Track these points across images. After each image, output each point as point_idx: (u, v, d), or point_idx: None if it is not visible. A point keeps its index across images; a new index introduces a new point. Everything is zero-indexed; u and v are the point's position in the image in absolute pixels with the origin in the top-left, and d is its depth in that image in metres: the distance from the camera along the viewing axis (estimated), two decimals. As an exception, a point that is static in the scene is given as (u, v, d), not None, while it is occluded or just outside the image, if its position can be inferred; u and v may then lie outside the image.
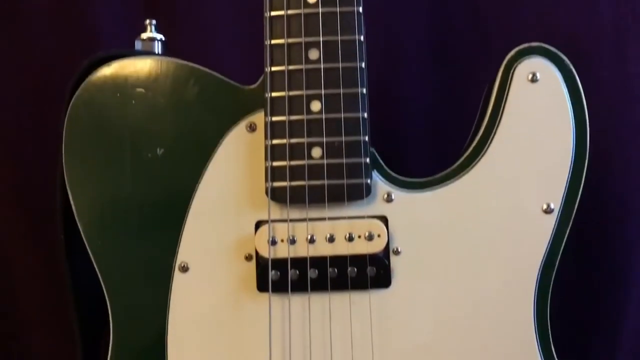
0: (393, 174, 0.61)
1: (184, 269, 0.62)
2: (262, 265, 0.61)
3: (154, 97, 0.62)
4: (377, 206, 0.61)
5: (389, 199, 0.61)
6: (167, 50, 0.67)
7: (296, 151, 0.60)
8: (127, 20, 0.84)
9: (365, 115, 0.59)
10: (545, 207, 0.59)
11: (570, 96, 0.59)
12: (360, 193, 0.60)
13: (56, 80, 0.68)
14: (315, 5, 0.59)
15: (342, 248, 0.60)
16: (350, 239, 0.60)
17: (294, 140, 0.60)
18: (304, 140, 0.60)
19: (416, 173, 0.62)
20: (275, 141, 0.60)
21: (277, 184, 0.60)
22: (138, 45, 0.66)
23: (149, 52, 0.66)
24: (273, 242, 0.60)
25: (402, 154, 0.79)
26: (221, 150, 0.62)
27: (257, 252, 0.61)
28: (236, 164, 0.62)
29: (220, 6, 0.85)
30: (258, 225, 0.61)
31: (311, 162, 0.60)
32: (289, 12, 0.60)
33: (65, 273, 0.69)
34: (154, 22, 0.67)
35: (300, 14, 0.59)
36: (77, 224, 0.63)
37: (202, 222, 0.62)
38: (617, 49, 0.81)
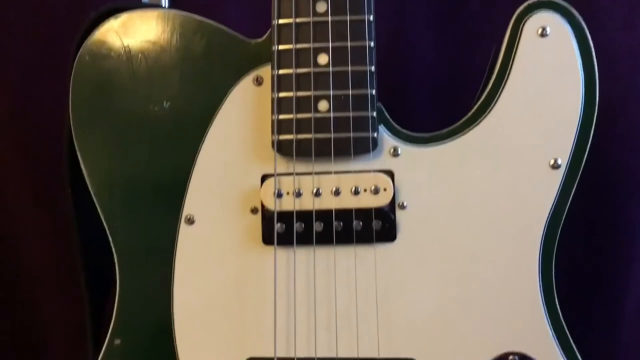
0: (400, 128, 0.61)
1: (190, 221, 0.62)
2: (267, 218, 0.61)
3: (161, 50, 0.62)
4: (384, 160, 0.61)
5: (395, 154, 0.60)
6: (173, 3, 0.66)
7: (303, 104, 0.60)
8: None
9: (373, 68, 0.59)
10: (552, 162, 0.59)
11: (580, 51, 0.59)
12: (367, 146, 0.60)
13: (64, 35, 0.68)
14: (323, -43, 0.59)
15: (347, 201, 0.60)
16: (356, 192, 0.60)
17: (300, 93, 0.60)
18: (311, 93, 0.60)
19: (422, 132, 0.62)
20: (281, 94, 0.60)
21: (283, 137, 0.60)
22: (145, -3, 0.67)
23: (155, 5, 0.65)
24: (279, 195, 0.60)
25: (408, 114, 0.79)
26: (228, 103, 0.62)
27: (262, 205, 0.61)
28: (243, 118, 0.62)
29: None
30: (264, 178, 0.61)
31: (318, 115, 0.60)
32: (296, -36, 0.59)
33: (73, 229, 0.70)
34: (160, -25, 0.67)
35: (307, -34, 0.59)
36: (83, 177, 0.63)
37: (208, 175, 0.62)
38: (630, 14, 0.80)
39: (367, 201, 0.60)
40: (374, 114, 0.59)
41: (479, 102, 0.60)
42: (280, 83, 0.60)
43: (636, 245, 0.78)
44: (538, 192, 0.59)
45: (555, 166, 0.59)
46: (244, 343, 0.61)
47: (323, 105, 0.60)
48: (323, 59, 0.60)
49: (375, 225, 0.60)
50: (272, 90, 0.60)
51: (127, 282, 0.63)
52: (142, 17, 0.63)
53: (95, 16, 0.63)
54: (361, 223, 0.60)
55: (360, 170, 0.60)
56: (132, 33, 0.62)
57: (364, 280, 0.60)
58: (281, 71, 0.60)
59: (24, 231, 0.89)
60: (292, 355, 0.60)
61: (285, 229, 0.60)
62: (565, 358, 0.58)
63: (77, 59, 0.63)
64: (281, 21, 0.60)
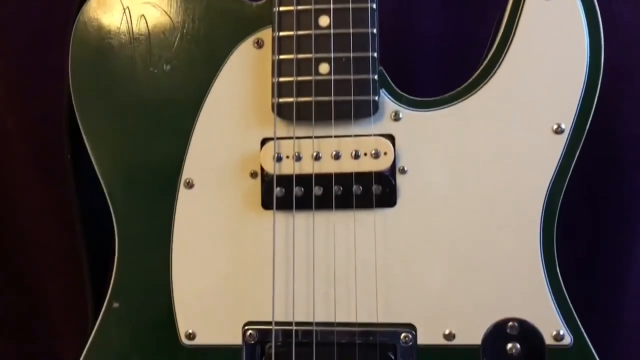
0: (401, 92, 0.60)
1: (189, 185, 0.62)
2: (267, 182, 0.60)
3: (161, 13, 0.62)
4: (384, 125, 0.60)
5: (396, 118, 0.60)
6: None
7: (303, 67, 0.59)
8: None
9: (375, 30, 0.58)
10: (555, 127, 0.58)
11: (585, 13, 0.58)
12: (368, 110, 0.59)
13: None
14: None
15: (348, 165, 0.59)
16: (357, 156, 0.59)
17: (301, 56, 0.59)
18: (312, 55, 0.59)
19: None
20: (282, 56, 0.59)
21: (283, 99, 0.59)
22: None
23: (156, -33, 0.65)
24: (278, 159, 0.60)
25: (412, 82, 0.78)
26: (228, 66, 0.61)
27: (262, 169, 0.61)
28: (243, 81, 0.61)
29: None
30: (264, 142, 0.61)
31: (318, 77, 0.59)
32: None
33: (73, 198, 0.70)
34: None
35: None
36: (83, 144, 0.63)
37: (207, 139, 0.62)
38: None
39: (368, 165, 0.59)
40: (375, 77, 0.59)
41: (482, 66, 0.59)
42: (281, 45, 0.59)
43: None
44: (540, 157, 0.58)
45: (559, 131, 0.58)
46: (242, 307, 0.61)
47: (324, 67, 0.59)
48: (324, 20, 0.59)
49: (376, 190, 0.59)
50: (273, 53, 0.59)
51: (126, 246, 0.62)
52: (142, -21, 0.62)
53: (94, -22, 0.63)
54: (361, 187, 0.59)
55: (361, 134, 0.60)
56: (132, -5, 0.62)
57: (363, 245, 0.60)
58: (282, 33, 0.59)
59: (26, 207, 0.89)
60: (290, 320, 0.60)
61: (284, 193, 0.60)
62: (565, 325, 0.58)
63: (76, 23, 0.63)
64: (282, -18, 0.59)
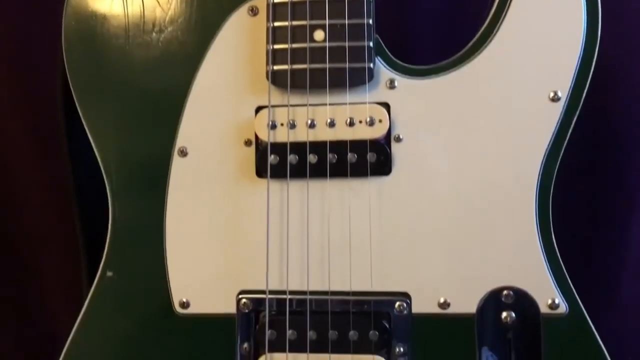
0: (396, 60, 0.60)
1: (183, 153, 0.61)
2: (261, 149, 0.60)
3: (155, -20, 0.61)
4: (380, 93, 0.59)
5: (391, 86, 0.59)
6: None
7: (298, 34, 0.58)
8: None
9: (371, -4, 0.58)
10: (552, 95, 0.57)
11: (583, -19, 0.57)
12: (363, 78, 0.58)
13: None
14: None
15: (342, 133, 0.59)
16: (351, 124, 0.59)
17: (296, 23, 0.58)
18: (307, 22, 0.58)
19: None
20: (277, 23, 0.59)
21: (278, 67, 0.59)
22: None
23: None
24: (273, 126, 0.59)
25: (410, 54, 0.77)
26: (222, 34, 0.61)
27: (256, 137, 0.60)
28: (237, 49, 0.61)
29: None
30: (258, 110, 0.60)
31: (313, 44, 0.58)
32: None
33: (66, 168, 0.70)
34: None
35: None
36: (78, 117, 0.63)
37: (201, 107, 0.61)
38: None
39: (362, 133, 0.59)
40: (371, 44, 0.58)
41: (478, 34, 0.59)
42: (276, 12, 0.59)
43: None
44: (537, 124, 0.58)
45: (555, 99, 0.58)
46: (236, 276, 0.61)
47: (319, 34, 0.58)
48: (319, -14, 0.58)
49: (370, 158, 0.59)
50: (267, 20, 0.59)
51: (120, 215, 0.62)
52: (136, -54, 0.62)
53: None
54: (356, 155, 0.59)
55: (356, 102, 0.59)
56: (126, -37, 0.62)
57: (357, 214, 0.59)
58: (277, 0, 0.59)
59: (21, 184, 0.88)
60: (284, 288, 0.60)
61: (279, 161, 0.59)
62: (561, 294, 0.57)
63: (68, -6, 0.63)
64: (277, -52, 0.59)
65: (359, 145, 0.59)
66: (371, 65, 0.58)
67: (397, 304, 0.59)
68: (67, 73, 0.63)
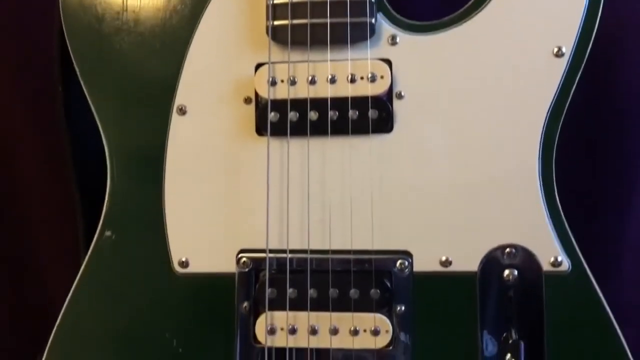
0: (398, 16, 0.59)
1: (182, 111, 0.61)
2: (261, 107, 0.59)
3: None
4: (381, 49, 0.59)
5: (393, 42, 0.58)
6: None
7: (299, -12, 0.58)
8: None
9: (372, -50, 0.57)
10: (556, 50, 0.57)
11: None
12: (364, 33, 0.58)
13: None
14: None
15: (343, 89, 0.58)
16: (353, 80, 0.58)
17: (296, -23, 0.58)
18: (307, -24, 0.58)
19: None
20: (277, -23, 0.58)
21: (278, 22, 0.58)
22: None
23: None
24: (273, 83, 0.59)
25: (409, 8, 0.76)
26: (222, -10, 0.60)
27: (256, 94, 0.59)
28: (237, 4, 0.60)
29: None
30: (258, 67, 0.59)
31: (314, -1, 0.58)
32: None
33: (64, 133, 0.69)
34: None
35: None
36: (75, 77, 0.62)
37: (200, 64, 0.60)
38: None
39: (364, 89, 0.58)
40: (372, -1, 0.57)
41: (481, -11, 0.58)
42: (276, -34, 0.58)
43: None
44: (541, 80, 0.57)
45: (559, 54, 0.57)
46: (236, 235, 0.60)
47: (320, -11, 0.58)
48: (320, -61, 0.58)
49: (372, 115, 0.58)
50: (267, -26, 0.58)
51: (118, 175, 0.62)
52: None
53: None
54: (357, 112, 0.58)
55: (357, 58, 0.58)
56: None
57: (359, 172, 0.59)
58: (277, -47, 0.58)
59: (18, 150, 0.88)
60: (284, 247, 0.59)
61: (279, 119, 0.59)
62: (563, 251, 0.57)
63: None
64: None
65: (360, 102, 0.58)
66: (372, 20, 0.57)
67: (399, 262, 0.58)
68: (64, 32, 0.63)
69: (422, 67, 0.58)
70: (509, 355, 0.57)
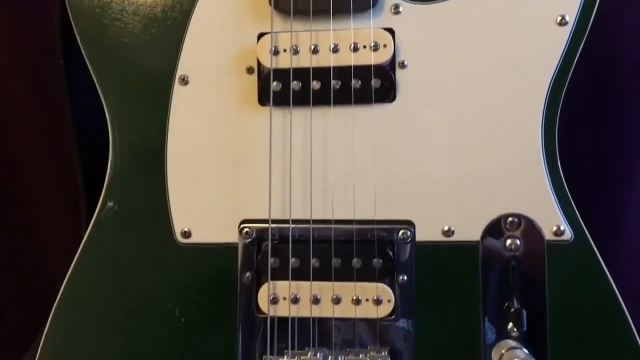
0: (402, -15, 0.59)
1: (184, 81, 0.60)
2: (263, 77, 0.59)
3: None
4: (384, 18, 0.58)
5: (396, 11, 0.58)
6: None
7: (301, -44, 0.58)
8: None
9: None
10: (559, 19, 0.57)
11: None
12: (367, 2, 0.57)
13: None
14: None
15: (346, 58, 0.58)
16: (355, 49, 0.58)
17: (299, -55, 0.58)
18: (310, -55, 0.57)
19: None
20: (279, -54, 0.58)
21: (280, -9, 0.58)
22: None
23: None
24: (275, 52, 0.58)
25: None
26: (224, -41, 0.60)
27: (259, 63, 0.59)
28: (239, -26, 0.60)
29: None
30: (260, 37, 0.59)
31: (316, -33, 0.57)
32: None
33: (66, 106, 0.69)
34: None
35: None
36: (77, 47, 0.62)
37: (202, 34, 0.60)
38: None
39: (366, 58, 0.58)
40: (375, -33, 0.57)
41: (485, -42, 0.58)
42: None
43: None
44: (544, 49, 0.57)
45: (563, 23, 0.57)
46: (238, 205, 0.60)
47: (322, -43, 0.57)
48: None
49: (375, 84, 0.58)
50: (270, -57, 0.58)
51: (120, 144, 0.61)
52: None
53: None
54: (360, 81, 0.58)
55: (360, 28, 0.58)
56: None
57: (361, 141, 0.59)
58: None
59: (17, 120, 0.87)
60: (287, 217, 0.59)
61: (281, 88, 0.58)
62: (566, 220, 0.57)
63: None
64: None
65: (363, 71, 0.58)
66: (375, -11, 0.57)
67: (401, 231, 0.58)
68: (65, 4, 0.62)
69: (425, 36, 0.58)
70: (511, 325, 0.57)
